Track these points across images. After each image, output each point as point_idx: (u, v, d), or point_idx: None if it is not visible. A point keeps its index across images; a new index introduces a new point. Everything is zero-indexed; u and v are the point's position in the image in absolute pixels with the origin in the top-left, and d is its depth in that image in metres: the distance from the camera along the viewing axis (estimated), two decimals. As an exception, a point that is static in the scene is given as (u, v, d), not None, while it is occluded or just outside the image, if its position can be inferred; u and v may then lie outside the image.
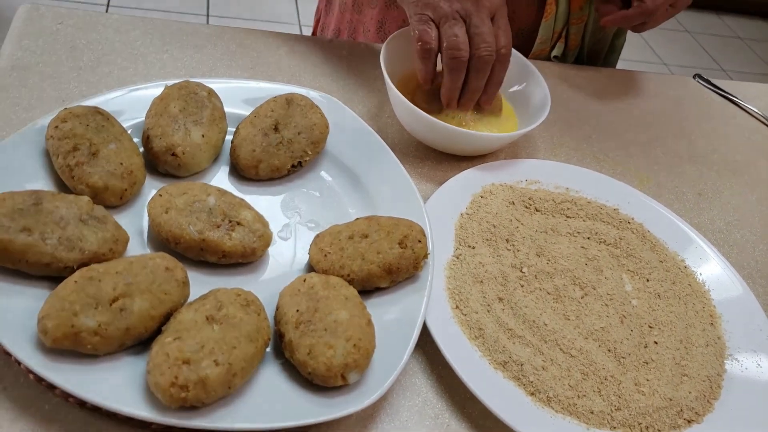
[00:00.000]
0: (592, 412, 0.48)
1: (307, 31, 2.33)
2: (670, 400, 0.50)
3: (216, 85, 0.58)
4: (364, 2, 0.86)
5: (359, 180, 0.57)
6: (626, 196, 0.65)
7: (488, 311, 0.51)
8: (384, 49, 0.66)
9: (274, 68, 0.72)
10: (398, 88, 0.63)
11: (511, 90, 0.70)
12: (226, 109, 0.57)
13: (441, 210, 0.58)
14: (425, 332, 0.48)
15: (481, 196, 0.61)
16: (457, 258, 0.55)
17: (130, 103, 0.56)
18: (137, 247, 0.48)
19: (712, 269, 0.60)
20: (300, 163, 0.56)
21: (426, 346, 0.50)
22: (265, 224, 0.49)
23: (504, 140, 0.65)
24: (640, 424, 0.48)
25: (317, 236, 0.50)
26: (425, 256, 0.49)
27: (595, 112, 0.80)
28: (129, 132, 0.53)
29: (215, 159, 0.56)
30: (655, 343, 0.53)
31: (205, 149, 0.53)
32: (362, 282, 0.47)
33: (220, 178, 0.55)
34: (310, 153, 0.56)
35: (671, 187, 0.72)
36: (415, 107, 0.61)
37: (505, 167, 0.64)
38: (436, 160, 0.66)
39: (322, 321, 0.43)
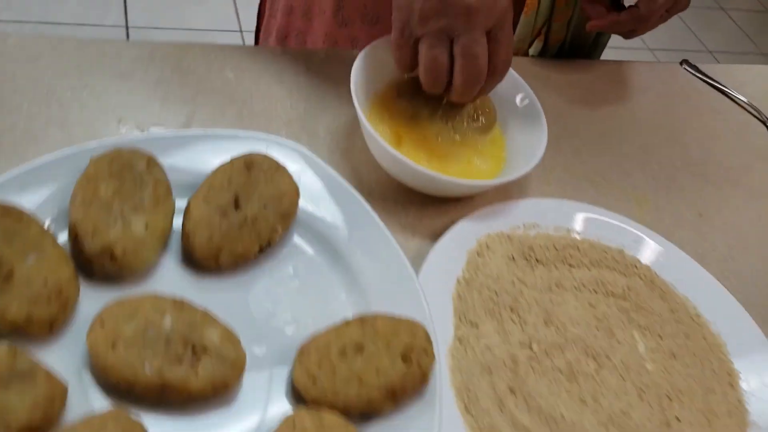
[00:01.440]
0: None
1: (250, 37, 1.94)
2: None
3: (155, 146, 0.47)
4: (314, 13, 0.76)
5: (338, 251, 0.49)
6: (629, 234, 0.59)
7: (501, 410, 0.45)
8: (356, 66, 0.56)
9: (219, 95, 0.60)
10: (378, 99, 0.55)
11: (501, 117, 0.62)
12: (170, 174, 0.47)
13: (436, 278, 0.51)
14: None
15: (477, 253, 0.54)
16: (460, 342, 0.48)
17: (46, 183, 0.45)
18: (78, 394, 0.38)
19: (724, 314, 0.56)
20: (269, 242, 0.47)
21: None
22: (236, 343, 0.40)
23: (491, 186, 0.57)
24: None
25: (301, 351, 0.42)
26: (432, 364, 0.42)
27: (582, 120, 0.72)
28: (50, 229, 0.43)
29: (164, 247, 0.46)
30: (678, 419, 0.49)
31: (150, 242, 0.43)
32: (361, 409, 0.40)
33: (172, 274, 0.45)
34: (280, 230, 0.47)
35: (671, 209, 0.66)
36: (391, 150, 0.52)
37: (499, 212, 0.57)
38: (419, 204, 0.58)
39: (320, 471, 0.36)
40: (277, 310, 0.45)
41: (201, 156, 0.50)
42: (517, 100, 0.62)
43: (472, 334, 0.49)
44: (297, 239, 0.49)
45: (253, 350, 0.42)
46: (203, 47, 0.64)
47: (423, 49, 0.52)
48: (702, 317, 0.56)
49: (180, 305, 0.41)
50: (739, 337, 0.55)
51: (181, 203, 0.47)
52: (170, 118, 0.57)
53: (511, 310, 0.51)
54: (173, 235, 0.47)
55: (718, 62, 2.56)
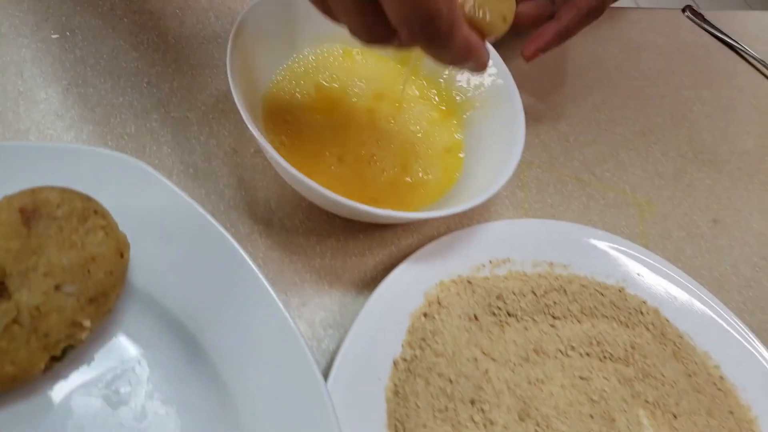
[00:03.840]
0: None
1: None
2: None
3: None
4: None
5: (197, 347, 0.31)
6: (631, 263, 0.43)
7: None
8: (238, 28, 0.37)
9: None
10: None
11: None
12: None
13: (362, 366, 0.34)
14: None
15: (424, 315, 0.37)
16: (396, 471, 0.32)
17: None
18: None
19: (756, 374, 0.42)
20: (66, 350, 0.28)
21: None
22: None
23: (438, 216, 0.38)
24: None
25: None
26: None
27: (568, 93, 0.55)
28: None
29: None
30: None
31: None
32: None
33: None
34: (88, 323, 0.28)
35: (680, 216, 0.50)
36: (289, 167, 0.33)
37: (455, 245, 0.40)
38: (341, 234, 0.40)
39: None
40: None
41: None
42: (484, 76, 0.43)
43: (414, 456, 0.32)
44: (121, 336, 0.30)
45: None
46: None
47: None
48: (727, 381, 0.41)
49: None
50: (775, 410, 0.41)
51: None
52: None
53: (472, 404, 0.35)
54: None
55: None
